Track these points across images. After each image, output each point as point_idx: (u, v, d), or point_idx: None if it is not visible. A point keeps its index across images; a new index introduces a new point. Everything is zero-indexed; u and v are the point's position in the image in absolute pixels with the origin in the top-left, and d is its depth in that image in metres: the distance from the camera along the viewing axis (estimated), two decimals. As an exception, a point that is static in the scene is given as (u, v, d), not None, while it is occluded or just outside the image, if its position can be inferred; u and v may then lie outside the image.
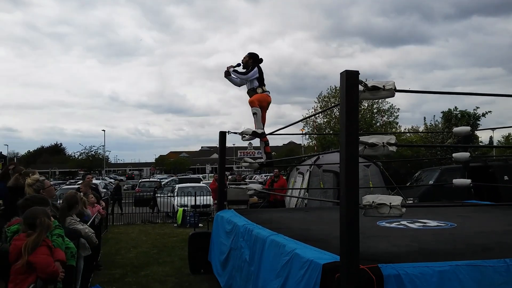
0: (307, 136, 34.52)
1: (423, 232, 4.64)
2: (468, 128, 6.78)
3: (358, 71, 3.04)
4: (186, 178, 32.51)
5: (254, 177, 40.57)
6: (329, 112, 28.82)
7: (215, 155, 79.58)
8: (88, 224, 5.62)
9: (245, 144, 7.94)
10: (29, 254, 3.15)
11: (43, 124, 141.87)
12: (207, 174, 43.56)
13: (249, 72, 6.50)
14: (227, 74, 6.67)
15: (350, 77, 3.00)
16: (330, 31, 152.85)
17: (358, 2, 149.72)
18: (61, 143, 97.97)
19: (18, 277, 3.16)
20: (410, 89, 3.81)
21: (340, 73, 3.05)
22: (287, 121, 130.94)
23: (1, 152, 64.58)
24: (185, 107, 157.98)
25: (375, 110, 29.17)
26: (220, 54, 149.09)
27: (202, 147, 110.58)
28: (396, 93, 3.22)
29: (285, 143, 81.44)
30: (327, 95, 31.10)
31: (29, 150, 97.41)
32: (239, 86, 6.82)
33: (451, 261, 3.02)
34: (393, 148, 3.12)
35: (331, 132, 27.41)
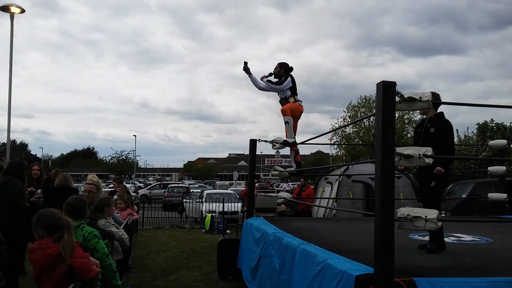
0: (335, 145, 34.31)
1: (458, 246, 4.55)
2: (505, 141, 6.60)
3: (395, 82, 3.01)
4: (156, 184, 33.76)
5: (281, 185, 40.52)
6: (358, 122, 28.58)
7: (243, 162, 79.87)
8: (122, 226, 5.75)
9: (273, 152, 7.91)
10: (71, 257, 2.98)
11: (75, 128, 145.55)
12: (234, 181, 43.71)
13: (283, 82, 6.53)
14: (248, 71, 6.60)
15: (387, 88, 2.97)
16: (360, 40, 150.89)
17: (390, 12, 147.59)
18: (93, 147, 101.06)
19: (60, 282, 2.96)
20: (447, 101, 3.76)
21: (377, 84, 3.03)
22: (315, 130, 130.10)
23: (36, 154, 66.88)
24: (213, 114, 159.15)
25: (406, 121, 28.76)
26: (250, 62, 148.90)
27: (229, 154, 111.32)
28: (432, 104, 3.19)
29: (313, 152, 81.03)
30: (356, 104, 30.93)
31: (62, 153, 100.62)
32: (261, 90, 6.72)
33: (488, 277, 2.96)
34: (430, 160, 3.08)
35: (360, 142, 27.15)
